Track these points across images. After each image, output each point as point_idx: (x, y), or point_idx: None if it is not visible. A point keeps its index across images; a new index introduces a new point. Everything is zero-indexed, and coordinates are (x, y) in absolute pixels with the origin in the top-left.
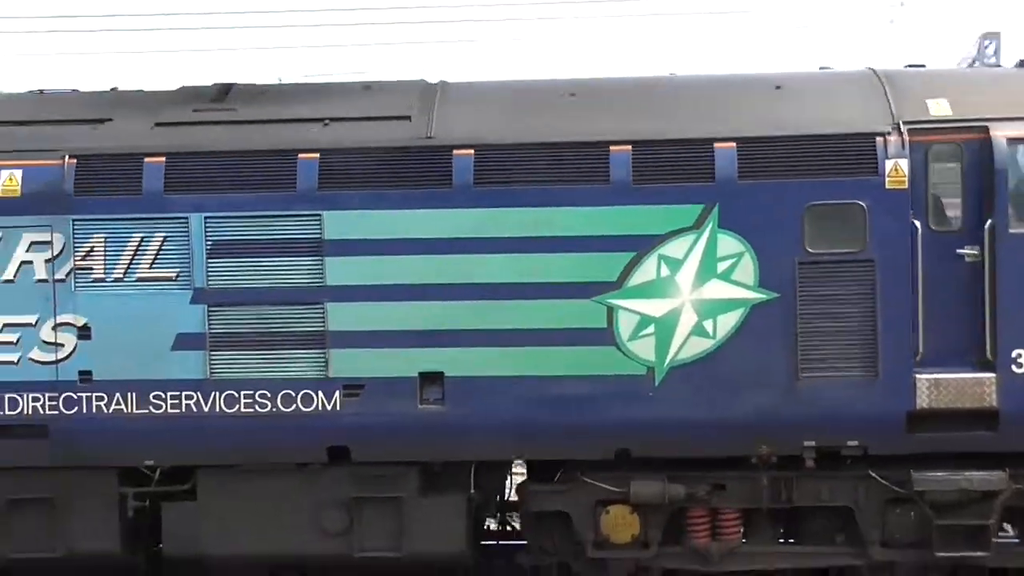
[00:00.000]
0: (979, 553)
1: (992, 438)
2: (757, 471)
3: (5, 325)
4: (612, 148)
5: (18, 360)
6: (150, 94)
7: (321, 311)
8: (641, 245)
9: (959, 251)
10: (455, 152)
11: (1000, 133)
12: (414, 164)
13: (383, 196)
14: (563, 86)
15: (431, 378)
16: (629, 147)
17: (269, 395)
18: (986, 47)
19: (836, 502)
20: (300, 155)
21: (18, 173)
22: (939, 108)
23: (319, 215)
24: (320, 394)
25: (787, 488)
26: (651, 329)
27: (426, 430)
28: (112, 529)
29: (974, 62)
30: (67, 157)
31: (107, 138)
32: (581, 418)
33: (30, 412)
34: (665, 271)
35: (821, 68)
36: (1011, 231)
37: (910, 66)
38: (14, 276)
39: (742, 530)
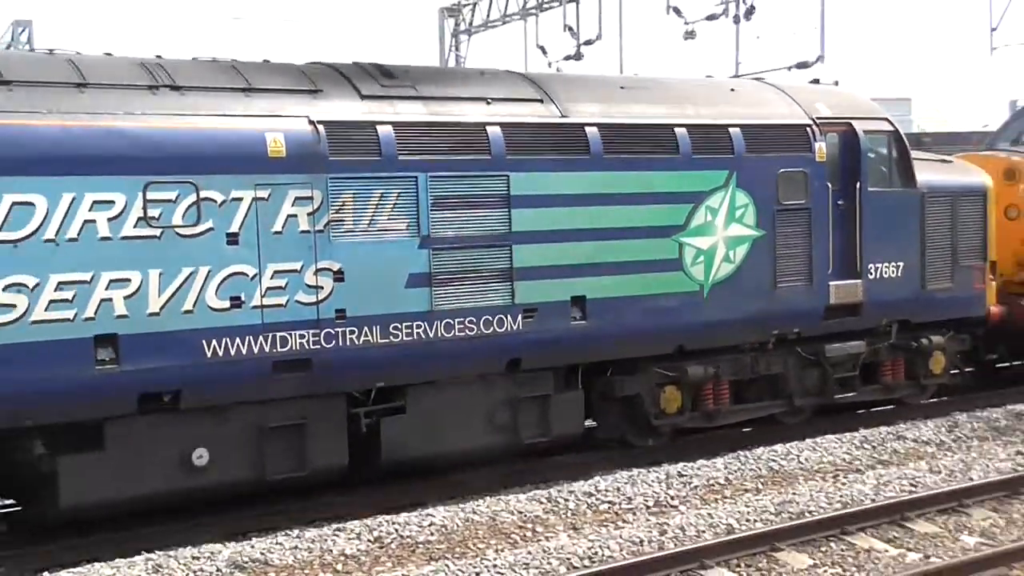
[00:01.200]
0: (850, 393)
1: (857, 321)
2: (743, 354)
3: (275, 272)
4: (676, 129)
5: (286, 303)
6: (320, 67)
7: (508, 252)
8: (697, 199)
9: (839, 203)
10: (586, 128)
11: (859, 127)
12: (559, 136)
13: (544, 161)
14: (614, 80)
15: (577, 301)
16: (685, 129)
17: (474, 321)
18: (19, 33)
19: (774, 371)
20: (487, 127)
21: (281, 136)
22: (825, 110)
23: (506, 175)
24: (508, 318)
25: (755, 364)
26: (701, 258)
27: (574, 340)
28: (343, 446)
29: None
30: (317, 123)
31: (334, 108)
32: (666, 324)
33: (297, 348)
34: (709, 217)
35: (707, 76)
36: (869, 190)
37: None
38: (282, 228)
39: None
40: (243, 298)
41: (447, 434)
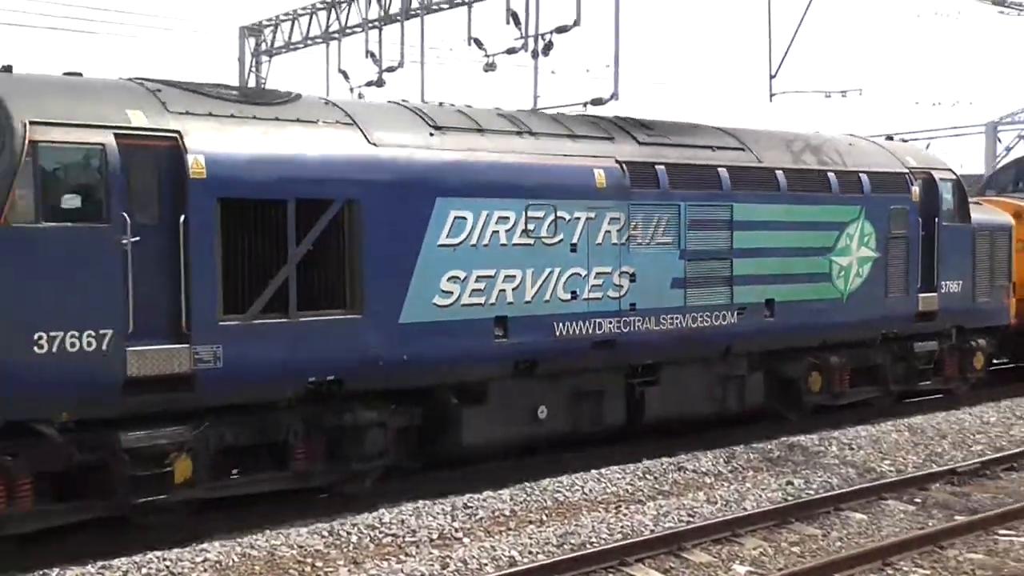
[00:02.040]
0: (926, 382)
1: (934, 324)
2: (860, 348)
3: (597, 273)
4: (828, 174)
5: (601, 297)
6: (604, 118)
7: (730, 263)
8: (841, 227)
9: (923, 233)
10: (775, 171)
11: (936, 175)
12: (759, 176)
13: (751, 195)
14: (780, 134)
15: (769, 303)
16: (834, 174)
17: (710, 316)
18: None
19: (878, 362)
20: (719, 169)
21: (603, 172)
22: (913, 162)
23: (731, 205)
24: (729, 314)
25: (867, 356)
26: (842, 273)
27: (765, 333)
28: (623, 408)
29: None
30: (622, 163)
31: (626, 151)
32: (819, 322)
33: (606, 331)
34: (847, 241)
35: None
36: (943, 224)
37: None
38: (602, 240)
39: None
40: (578, 292)
41: (684, 401)
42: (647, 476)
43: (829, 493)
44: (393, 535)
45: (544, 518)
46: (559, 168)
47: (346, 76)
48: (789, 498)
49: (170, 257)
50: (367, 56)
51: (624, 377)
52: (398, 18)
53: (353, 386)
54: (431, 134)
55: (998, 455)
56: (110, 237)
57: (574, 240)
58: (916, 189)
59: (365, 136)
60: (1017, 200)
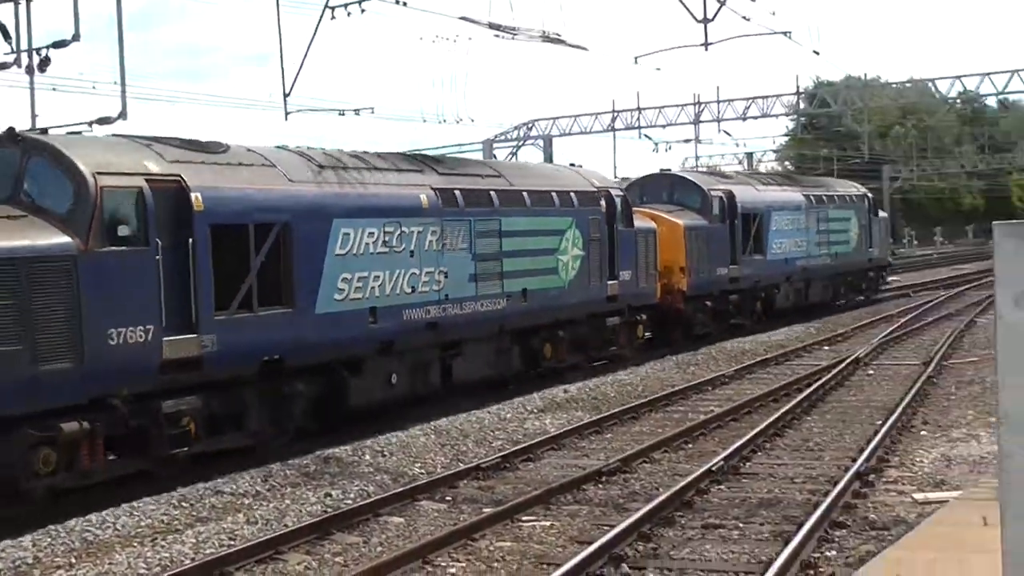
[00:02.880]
0: (613, 348)
1: (619, 303)
2: (580, 325)
3: (426, 272)
4: (552, 193)
5: (428, 290)
6: (408, 154)
7: (501, 263)
8: (561, 233)
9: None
10: (522, 192)
11: (612, 192)
12: (513, 198)
13: (510, 210)
14: (521, 165)
15: (523, 292)
16: (556, 193)
17: (490, 302)
18: None
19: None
20: (491, 192)
21: (425, 196)
22: (598, 182)
23: (499, 219)
24: (501, 300)
25: (595, 329)
26: (564, 268)
27: (522, 315)
28: (439, 374)
29: None
30: (434, 189)
31: (433, 180)
32: (555, 305)
33: (432, 316)
34: (566, 244)
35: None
36: (619, 228)
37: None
38: (427, 247)
39: None
40: (415, 287)
41: (477, 368)
42: (183, 504)
43: (366, 501)
44: None
45: (73, 561)
46: (399, 195)
47: None
48: (329, 510)
49: (182, 270)
50: None
51: (440, 350)
52: None
53: (290, 363)
54: (319, 172)
55: (516, 448)
56: (150, 257)
57: (412, 248)
58: (603, 203)
59: (285, 175)
60: (651, 211)
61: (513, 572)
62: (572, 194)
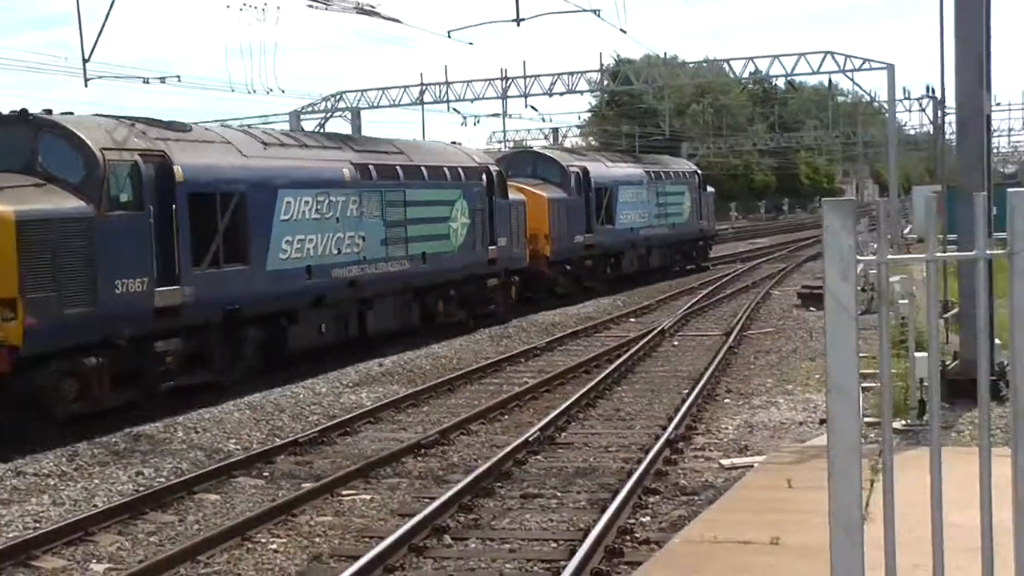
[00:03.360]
0: (492, 307)
1: (496, 266)
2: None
3: (349, 236)
4: (444, 168)
5: (350, 252)
6: (326, 134)
7: (405, 229)
8: (452, 203)
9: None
10: (421, 167)
11: (491, 168)
12: (414, 172)
13: (409, 183)
14: (421, 143)
15: (422, 255)
16: (447, 168)
17: (397, 263)
18: None
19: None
20: (397, 167)
21: (346, 170)
22: (469, 160)
23: (404, 190)
24: (405, 262)
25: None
26: (454, 234)
27: (421, 275)
28: (356, 325)
29: None
30: (353, 164)
31: (353, 156)
32: (446, 267)
33: (353, 274)
34: (455, 213)
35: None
36: (496, 200)
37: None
38: (349, 215)
39: None
40: (340, 250)
41: (386, 320)
42: None
43: (181, 479)
44: None
45: None
46: (327, 168)
47: None
48: (141, 489)
49: (168, 231)
50: None
51: (358, 305)
52: None
53: (245, 313)
54: (264, 149)
55: (333, 422)
56: (144, 220)
57: (337, 215)
58: (483, 178)
59: (239, 151)
60: (520, 184)
61: (335, 547)
62: (460, 169)
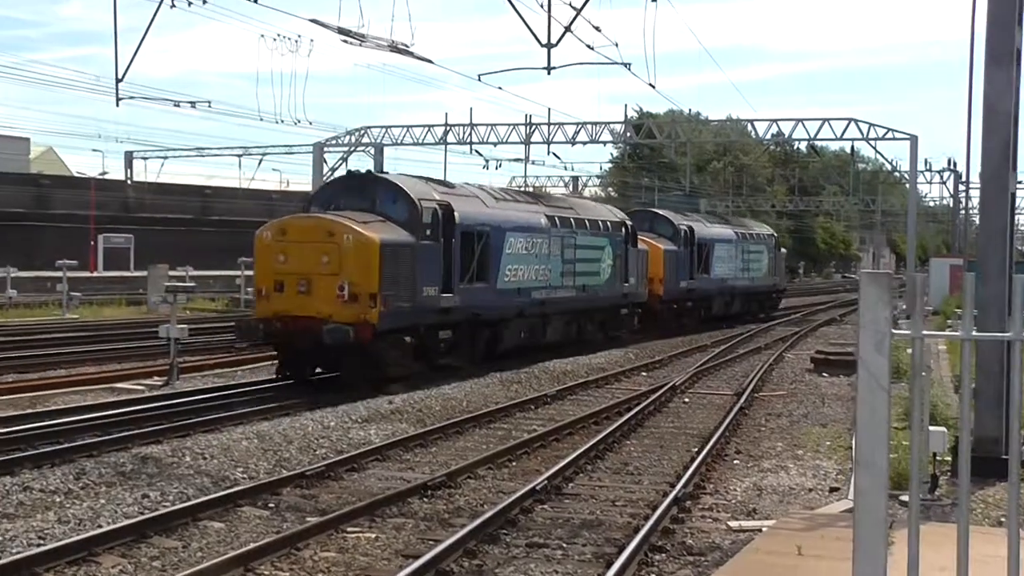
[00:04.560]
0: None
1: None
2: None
3: (543, 267)
4: (600, 221)
5: (540, 279)
6: (526, 192)
7: (574, 265)
8: (603, 248)
9: (624, 252)
10: (586, 220)
11: (628, 222)
12: (581, 223)
13: (581, 232)
14: (577, 200)
15: (583, 286)
16: (600, 222)
17: (567, 292)
18: None
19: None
20: (571, 218)
21: (544, 218)
22: (618, 216)
23: (575, 235)
24: (573, 291)
25: (616, 316)
26: (602, 271)
27: (580, 302)
28: (541, 333)
29: None
30: (546, 216)
31: (545, 209)
32: (597, 296)
33: (542, 297)
34: (604, 256)
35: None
36: (631, 248)
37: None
38: (545, 252)
39: None
40: (537, 277)
41: (558, 333)
42: None
43: (186, 504)
44: None
45: None
46: (532, 218)
47: None
48: (146, 512)
49: (449, 257)
50: None
51: (542, 319)
52: None
53: (483, 317)
54: (496, 202)
55: (341, 457)
56: (439, 248)
57: (536, 252)
58: (623, 230)
59: (483, 203)
60: (644, 237)
61: None
62: (608, 222)
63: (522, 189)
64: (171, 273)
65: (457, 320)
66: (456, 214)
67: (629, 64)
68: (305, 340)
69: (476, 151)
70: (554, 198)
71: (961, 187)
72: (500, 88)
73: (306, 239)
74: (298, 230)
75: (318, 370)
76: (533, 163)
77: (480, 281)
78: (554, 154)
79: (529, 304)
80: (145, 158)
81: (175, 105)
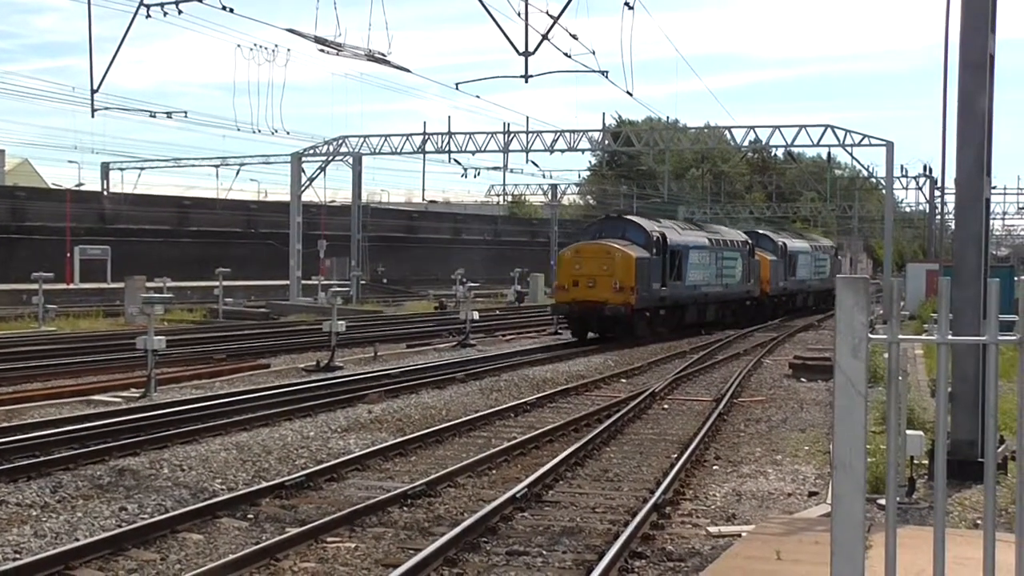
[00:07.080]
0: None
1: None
2: (739, 303)
3: (708, 272)
4: (736, 241)
5: (707, 279)
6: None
7: (722, 270)
8: (736, 259)
9: (748, 261)
10: (725, 239)
11: (752, 240)
12: (722, 243)
13: (722, 249)
14: (718, 228)
15: (726, 284)
16: (737, 241)
17: (718, 288)
18: None
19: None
20: (718, 240)
21: (706, 240)
22: (742, 236)
23: (721, 252)
24: (720, 287)
25: (747, 306)
26: (734, 275)
27: (725, 295)
28: (701, 315)
29: None
30: (710, 239)
31: (707, 234)
32: (732, 292)
33: (705, 292)
34: (737, 264)
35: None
36: (752, 258)
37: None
38: (706, 262)
39: None
40: (705, 279)
41: (713, 314)
42: None
43: (164, 516)
44: None
45: None
46: (701, 240)
47: None
48: (123, 524)
49: (663, 266)
50: None
51: (704, 306)
52: None
53: (677, 303)
54: (682, 230)
55: (320, 467)
56: (660, 261)
57: (703, 263)
58: (747, 246)
59: (677, 231)
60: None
61: None
62: (738, 241)
63: (689, 220)
64: (148, 284)
65: (668, 304)
66: (668, 239)
67: (606, 72)
68: (592, 315)
69: (455, 160)
70: (708, 226)
71: (937, 193)
72: (478, 97)
73: (594, 255)
74: (588, 250)
75: (591, 335)
76: (512, 171)
77: (677, 280)
78: (532, 162)
79: (700, 296)
80: (122, 169)
81: (151, 116)
